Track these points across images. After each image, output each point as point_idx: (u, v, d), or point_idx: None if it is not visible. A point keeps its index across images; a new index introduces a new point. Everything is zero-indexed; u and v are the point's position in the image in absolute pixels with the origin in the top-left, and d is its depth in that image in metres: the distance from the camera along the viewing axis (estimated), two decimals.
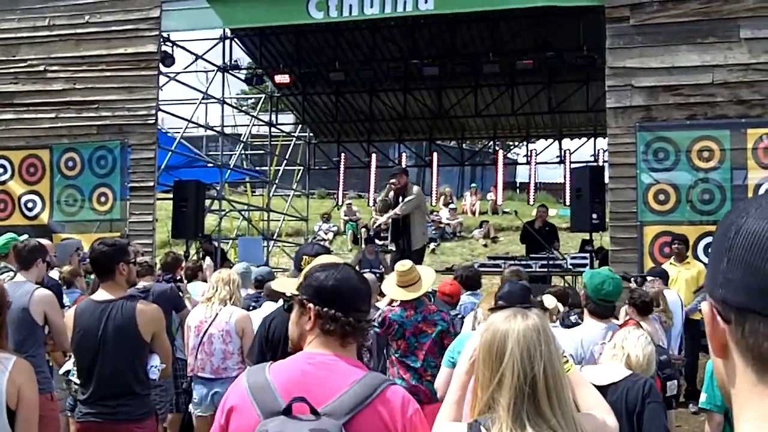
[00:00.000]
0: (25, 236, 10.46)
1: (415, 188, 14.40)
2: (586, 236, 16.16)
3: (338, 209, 26.58)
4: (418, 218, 13.89)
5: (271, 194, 24.84)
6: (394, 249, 13.57)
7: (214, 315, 8.19)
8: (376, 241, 16.52)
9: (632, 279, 10.05)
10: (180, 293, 9.47)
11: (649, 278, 10.51)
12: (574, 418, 2.95)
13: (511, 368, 2.90)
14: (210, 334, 8.13)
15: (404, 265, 7.69)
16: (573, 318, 9.04)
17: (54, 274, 9.20)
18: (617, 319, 7.08)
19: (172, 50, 17.49)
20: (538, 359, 2.90)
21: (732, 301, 1.22)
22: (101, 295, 5.96)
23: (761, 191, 11.89)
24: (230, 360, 8.09)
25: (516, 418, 2.84)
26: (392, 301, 7.80)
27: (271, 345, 5.19)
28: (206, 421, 7.74)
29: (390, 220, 13.74)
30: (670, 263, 11.67)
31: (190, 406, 8.52)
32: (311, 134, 26.25)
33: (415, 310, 7.59)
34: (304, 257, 5.33)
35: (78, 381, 6.18)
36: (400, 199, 13.50)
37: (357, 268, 5.27)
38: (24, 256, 7.24)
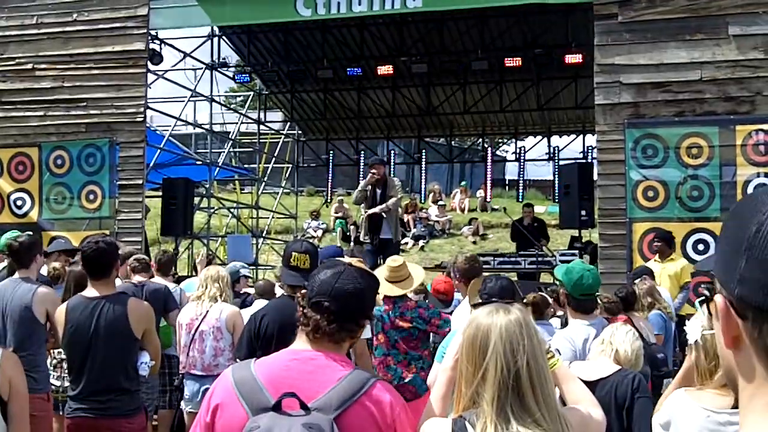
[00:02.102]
0: (29, 233, 10.47)
1: (396, 180, 14.38)
2: (576, 233, 16.19)
3: (327, 206, 26.58)
4: (394, 211, 13.83)
5: (260, 192, 24.85)
6: (369, 242, 13.44)
7: (205, 312, 8.18)
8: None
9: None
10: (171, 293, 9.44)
11: (637, 281, 10.55)
12: (558, 412, 2.96)
13: (495, 362, 2.90)
14: (201, 331, 8.13)
15: (396, 260, 7.67)
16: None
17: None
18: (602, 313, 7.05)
19: (160, 48, 17.48)
20: (521, 353, 2.90)
21: (750, 300, 1.22)
22: (92, 291, 5.97)
23: (750, 188, 11.93)
24: (221, 357, 8.09)
25: (500, 411, 2.84)
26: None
27: (263, 342, 5.19)
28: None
29: (366, 213, 13.63)
30: (654, 260, 11.70)
31: (182, 403, 8.52)
32: (300, 132, 26.24)
33: (394, 304, 7.58)
34: (293, 254, 5.33)
35: (55, 383, 6.18)
36: (378, 190, 13.40)
37: None
38: (22, 254, 7.17)
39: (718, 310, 1.31)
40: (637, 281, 10.07)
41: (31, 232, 8.38)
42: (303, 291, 3.24)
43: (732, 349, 1.30)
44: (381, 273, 7.67)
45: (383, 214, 13.22)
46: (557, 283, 6.64)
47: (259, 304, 8.72)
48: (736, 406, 3.39)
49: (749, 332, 1.25)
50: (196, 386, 8.12)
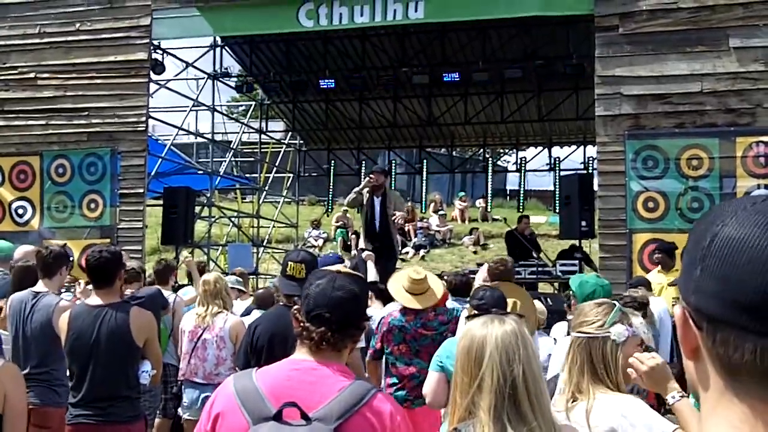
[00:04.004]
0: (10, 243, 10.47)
1: (397, 193, 14.48)
2: (573, 243, 16.20)
3: (328, 216, 26.60)
4: (392, 222, 13.87)
5: (261, 201, 24.87)
6: (369, 247, 13.45)
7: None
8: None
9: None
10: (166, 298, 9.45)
11: (630, 290, 10.52)
12: (554, 422, 2.98)
13: (491, 371, 2.92)
14: (204, 340, 8.16)
15: (419, 273, 7.60)
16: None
17: None
18: None
19: (163, 58, 17.51)
20: (517, 362, 2.93)
21: (705, 309, 1.24)
22: (96, 300, 6.01)
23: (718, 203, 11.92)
24: (223, 366, 8.12)
25: (497, 420, 2.86)
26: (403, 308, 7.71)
27: (255, 352, 5.22)
28: (195, 425, 7.83)
29: (365, 221, 13.66)
30: (658, 271, 11.68)
31: (179, 410, 8.53)
32: (301, 141, 26.29)
33: (416, 315, 7.54)
34: (290, 263, 5.36)
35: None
36: (376, 198, 13.43)
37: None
38: (49, 264, 7.16)
39: (677, 321, 1.33)
40: (630, 290, 10.09)
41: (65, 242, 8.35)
42: (296, 306, 3.24)
43: (692, 360, 1.32)
44: (400, 282, 7.66)
45: (385, 219, 13.27)
46: (571, 292, 6.66)
47: (258, 313, 8.75)
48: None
49: (704, 342, 1.26)
50: (196, 393, 8.15)
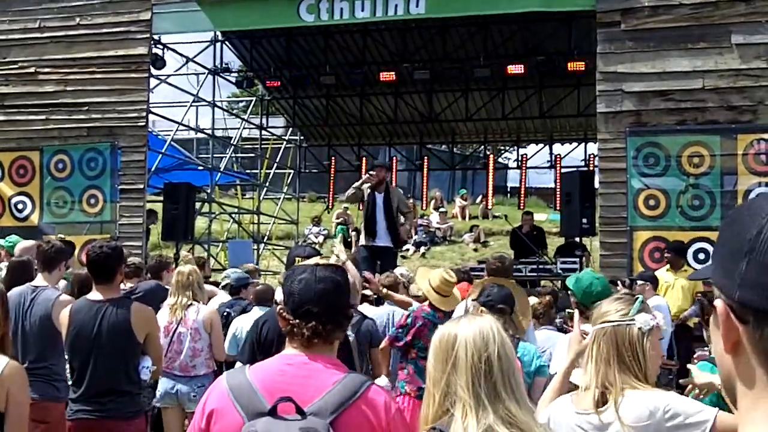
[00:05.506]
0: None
1: (400, 191, 14.46)
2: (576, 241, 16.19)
3: (328, 212, 26.56)
4: (398, 218, 13.83)
5: (261, 197, 24.84)
6: (369, 244, 13.40)
7: (181, 315, 8.22)
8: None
9: (621, 282, 10.03)
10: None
11: (639, 282, 10.51)
12: (528, 405, 2.97)
13: (465, 348, 2.90)
14: (179, 333, 8.13)
15: (451, 275, 7.72)
16: (559, 321, 9.05)
17: None
18: None
19: (163, 53, 17.47)
20: (491, 341, 2.91)
21: (752, 303, 1.22)
22: (96, 295, 6.00)
23: (751, 197, 11.90)
24: (198, 358, 8.12)
25: (475, 396, 2.84)
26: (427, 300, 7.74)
27: (264, 348, 5.20)
28: (170, 412, 8.15)
29: (365, 218, 13.60)
30: (666, 270, 11.66)
31: (153, 401, 8.51)
32: (302, 137, 26.24)
33: (444, 312, 7.56)
34: (297, 259, 5.34)
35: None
36: (377, 194, 13.38)
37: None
38: (51, 258, 7.16)
39: (717, 315, 1.30)
40: (639, 283, 10.08)
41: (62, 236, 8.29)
42: (280, 305, 3.23)
43: (732, 354, 1.30)
44: (429, 278, 7.72)
45: (389, 213, 13.25)
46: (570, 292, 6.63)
47: (257, 310, 8.72)
48: (602, 404, 3.48)
49: (750, 336, 1.24)
50: (170, 384, 8.12)
